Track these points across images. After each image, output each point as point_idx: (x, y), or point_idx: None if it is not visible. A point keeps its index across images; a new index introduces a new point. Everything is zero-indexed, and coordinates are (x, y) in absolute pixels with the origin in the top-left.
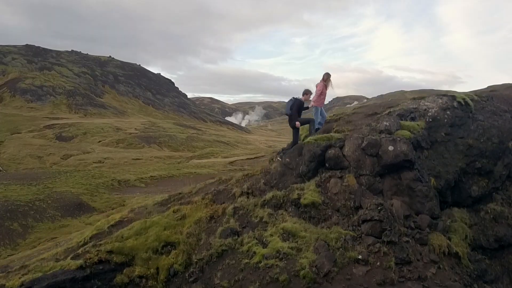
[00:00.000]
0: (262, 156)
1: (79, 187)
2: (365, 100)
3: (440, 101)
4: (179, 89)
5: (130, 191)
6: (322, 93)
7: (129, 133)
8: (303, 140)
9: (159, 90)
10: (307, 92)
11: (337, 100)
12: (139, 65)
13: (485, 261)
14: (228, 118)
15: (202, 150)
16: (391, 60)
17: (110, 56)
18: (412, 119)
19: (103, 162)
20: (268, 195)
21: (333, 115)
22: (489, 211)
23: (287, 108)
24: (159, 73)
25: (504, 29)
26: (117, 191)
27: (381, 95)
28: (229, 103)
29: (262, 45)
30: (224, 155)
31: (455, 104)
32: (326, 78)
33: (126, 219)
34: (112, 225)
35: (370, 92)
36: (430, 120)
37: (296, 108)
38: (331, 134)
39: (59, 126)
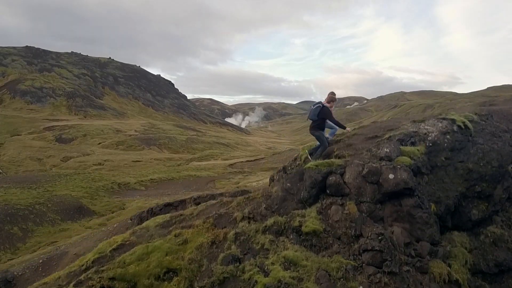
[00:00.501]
0: (262, 158)
1: (79, 190)
2: (365, 101)
3: (440, 125)
4: (179, 91)
5: (130, 194)
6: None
7: (129, 135)
8: (304, 165)
9: (159, 91)
10: (333, 100)
11: (337, 101)
12: (139, 66)
13: (485, 287)
14: (228, 119)
15: (202, 152)
16: (391, 61)
17: (110, 58)
18: (412, 143)
19: (103, 164)
20: (270, 221)
21: (334, 135)
22: (489, 234)
23: (312, 113)
24: (159, 75)
25: (504, 29)
26: (117, 194)
27: (381, 96)
28: (229, 104)
29: (261, 46)
30: (224, 157)
31: (455, 128)
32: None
33: (127, 242)
34: (114, 249)
35: (370, 93)
36: (430, 144)
37: (323, 116)
38: (332, 160)
39: (59, 128)
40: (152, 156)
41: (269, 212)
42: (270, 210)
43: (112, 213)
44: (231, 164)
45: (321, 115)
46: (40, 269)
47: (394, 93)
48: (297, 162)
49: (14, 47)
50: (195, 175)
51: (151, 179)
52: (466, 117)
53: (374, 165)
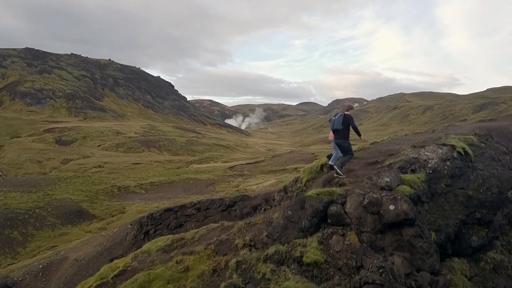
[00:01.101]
0: (262, 160)
1: (79, 194)
2: (365, 103)
3: (440, 151)
4: (179, 92)
5: (130, 197)
6: None
7: (129, 137)
8: (305, 188)
9: (158, 93)
10: (351, 107)
11: (337, 102)
12: (139, 68)
13: None
14: (228, 120)
15: (201, 155)
16: (390, 62)
17: (109, 59)
18: (413, 171)
19: (102, 167)
20: (271, 250)
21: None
22: (489, 260)
23: (336, 123)
24: (159, 76)
25: (503, 31)
26: (117, 198)
27: (381, 98)
28: (229, 106)
29: (261, 48)
30: (224, 159)
31: (454, 154)
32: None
33: (129, 268)
34: (116, 275)
35: (370, 94)
36: (431, 171)
37: (347, 123)
38: (332, 189)
39: (58, 130)
40: (152, 158)
41: (270, 240)
42: (271, 238)
43: (112, 217)
44: (231, 167)
45: (345, 122)
46: (40, 274)
47: (394, 94)
48: (298, 185)
49: (14, 49)
50: (195, 178)
51: (151, 182)
52: (466, 140)
53: (375, 195)
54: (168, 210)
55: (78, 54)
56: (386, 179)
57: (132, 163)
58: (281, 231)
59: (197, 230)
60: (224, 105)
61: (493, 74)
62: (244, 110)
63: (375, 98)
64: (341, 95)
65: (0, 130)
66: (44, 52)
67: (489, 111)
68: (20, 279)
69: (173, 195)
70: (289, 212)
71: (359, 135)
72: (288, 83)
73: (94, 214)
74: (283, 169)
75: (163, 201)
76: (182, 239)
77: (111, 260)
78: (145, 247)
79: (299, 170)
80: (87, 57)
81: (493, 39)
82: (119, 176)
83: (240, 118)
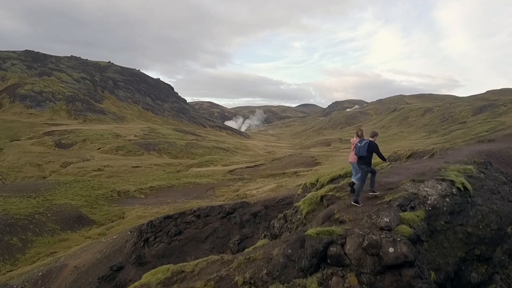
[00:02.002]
0: (262, 164)
1: (78, 199)
2: (365, 104)
3: (440, 187)
4: (179, 94)
5: (129, 202)
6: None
7: (129, 139)
8: (306, 220)
9: (158, 95)
10: (376, 134)
11: (336, 104)
12: (139, 70)
13: None
14: (228, 122)
15: (201, 158)
16: (390, 64)
17: (109, 62)
18: (412, 208)
19: (102, 170)
20: None
21: (335, 188)
22: None
23: (361, 150)
24: (158, 78)
25: (503, 32)
26: (117, 203)
27: (381, 100)
28: (228, 107)
29: (261, 49)
30: (223, 163)
31: (454, 190)
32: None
33: None
34: None
35: (369, 96)
36: (430, 208)
37: (371, 150)
38: (332, 228)
39: (58, 132)
40: (152, 162)
41: (270, 279)
42: (271, 276)
43: (112, 222)
44: (231, 171)
45: (369, 149)
46: (40, 282)
47: (393, 96)
48: (298, 216)
49: (13, 51)
50: (194, 182)
51: (151, 186)
52: (465, 171)
53: (374, 237)
54: (167, 217)
55: (78, 56)
56: (385, 219)
57: (132, 167)
58: (281, 269)
59: (197, 262)
60: (224, 107)
61: (493, 76)
62: (244, 112)
63: (375, 100)
64: (340, 96)
65: (0, 133)
66: (44, 55)
67: (489, 113)
68: (19, 286)
69: (172, 199)
70: (289, 250)
71: (384, 160)
72: (288, 85)
73: (93, 220)
74: (282, 173)
75: (163, 206)
76: (182, 271)
77: (111, 268)
78: (145, 279)
79: (299, 175)
80: (86, 59)
81: (492, 40)
82: (119, 180)
83: (240, 120)
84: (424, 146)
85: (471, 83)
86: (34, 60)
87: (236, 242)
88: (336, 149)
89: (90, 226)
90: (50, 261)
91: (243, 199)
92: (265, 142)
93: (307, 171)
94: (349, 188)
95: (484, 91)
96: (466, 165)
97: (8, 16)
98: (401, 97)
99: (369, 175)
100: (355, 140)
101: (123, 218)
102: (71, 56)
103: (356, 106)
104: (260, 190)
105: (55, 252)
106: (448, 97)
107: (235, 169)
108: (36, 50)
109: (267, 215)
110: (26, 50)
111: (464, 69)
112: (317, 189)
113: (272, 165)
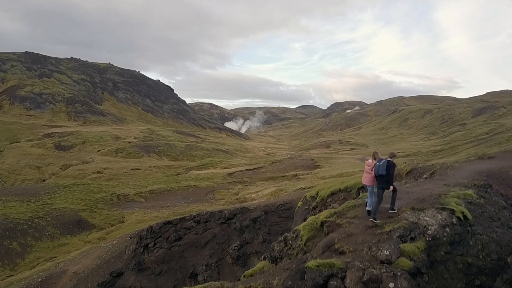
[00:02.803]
0: (261, 167)
1: (78, 203)
2: (365, 106)
3: (440, 216)
4: (178, 96)
5: (129, 206)
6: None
7: (128, 142)
8: (306, 247)
9: (158, 96)
10: (395, 155)
11: (336, 105)
12: (138, 71)
13: None
14: (228, 123)
15: (201, 160)
16: (390, 65)
17: (109, 63)
18: (412, 239)
19: (102, 173)
20: None
21: (335, 213)
22: None
23: (381, 169)
24: (158, 80)
25: (502, 34)
26: (116, 207)
27: (380, 101)
28: (228, 109)
29: (260, 51)
30: (223, 165)
31: (454, 220)
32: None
33: None
34: None
35: (369, 97)
36: (430, 239)
37: (389, 168)
38: (332, 261)
39: (58, 134)
40: (152, 164)
41: None
42: None
43: (111, 226)
44: (231, 173)
45: (388, 168)
46: None
47: (393, 98)
48: (298, 242)
49: (13, 53)
50: (194, 185)
51: (151, 190)
52: (465, 197)
53: (375, 271)
54: (167, 223)
55: (78, 57)
56: (385, 252)
57: (132, 169)
58: None
59: None
60: (224, 108)
61: (492, 77)
62: (244, 113)
63: (375, 102)
64: (340, 98)
65: (0, 134)
66: (44, 56)
67: (488, 115)
68: None
69: (172, 203)
70: (289, 282)
71: (391, 184)
72: (287, 86)
73: (93, 224)
74: (282, 176)
75: (163, 210)
76: None
77: (110, 274)
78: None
79: (298, 178)
80: (86, 61)
81: (492, 42)
82: (119, 184)
83: (241, 121)
84: (423, 148)
85: (470, 85)
86: (34, 62)
87: (236, 248)
88: (336, 151)
89: (90, 230)
90: (49, 267)
91: (243, 204)
92: (265, 143)
93: (307, 174)
94: (349, 214)
95: (484, 92)
96: (467, 188)
97: (7, 17)
98: (401, 98)
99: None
100: (370, 162)
101: (123, 222)
102: (71, 57)
103: (357, 108)
104: (260, 193)
105: (55, 257)
106: (448, 99)
107: (234, 172)
108: (35, 52)
109: (267, 221)
110: (26, 51)
111: (463, 70)
112: (317, 203)
113: (272, 167)
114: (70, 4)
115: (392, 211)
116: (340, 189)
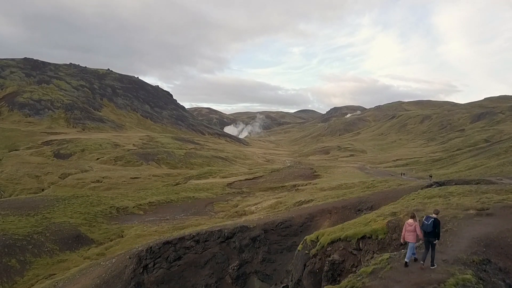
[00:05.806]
0: (261, 176)
1: (77, 217)
2: (364, 110)
3: None
4: (177, 101)
5: (128, 219)
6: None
7: (128, 149)
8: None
9: (157, 102)
10: (438, 212)
11: (335, 110)
12: (137, 77)
13: None
14: (227, 128)
15: (200, 169)
16: (388, 70)
17: (108, 69)
18: None
19: (101, 182)
20: None
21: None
22: None
23: (428, 226)
24: (157, 85)
25: (501, 38)
26: (116, 220)
27: (379, 106)
28: (227, 113)
29: (259, 55)
30: (222, 174)
31: None
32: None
33: None
34: None
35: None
36: None
37: (436, 226)
38: None
39: (57, 142)
40: (151, 172)
41: None
42: None
43: (111, 241)
44: (230, 183)
45: (435, 226)
46: None
47: (392, 103)
48: None
49: (12, 59)
50: (193, 196)
51: (150, 202)
52: (464, 282)
53: None
54: (167, 242)
55: (77, 63)
56: None
57: (131, 178)
58: None
59: None
60: (223, 113)
61: (490, 81)
62: (243, 118)
63: (373, 106)
64: (338, 102)
65: None
66: (43, 62)
67: (487, 121)
68: None
69: (171, 215)
70: None
71: (438, 239)
72: (286, 90)
73: (92, 239)
74: (281, 186)
75: (162, 224)
76: None
77: None
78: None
79: (298, 189)
80: (85, 66)
81: (490, 46)
82: (118, 195)
83: (241, 126)
84: (422, 155)
85: (468, 89)
86: (33, 68)
87: (235, 267)
88: (335, 157)
89: (89, 246)
90: (48, 285)
91: (242, 218)
92: (264, 149)
93: (306, 184)
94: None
95: (482, 97)
96: (465, 267)
97: (5, 22)
98: (399, 103)
99: (433, 251)
100: (412, 222)
101: (122, 237)
102: (70, 63)
103: (358, 112)
104: (259, 206)
105: (54, 274)
106: (446, 104)
107: (234, 181)
108: (34, 56)
109: (267, 239)
110: (25, 57)
111: (461, 74)
112: (317, 251)
113: (271, 177)
114: (68, 8)
115: (432, 267)
116: (340, 238)
